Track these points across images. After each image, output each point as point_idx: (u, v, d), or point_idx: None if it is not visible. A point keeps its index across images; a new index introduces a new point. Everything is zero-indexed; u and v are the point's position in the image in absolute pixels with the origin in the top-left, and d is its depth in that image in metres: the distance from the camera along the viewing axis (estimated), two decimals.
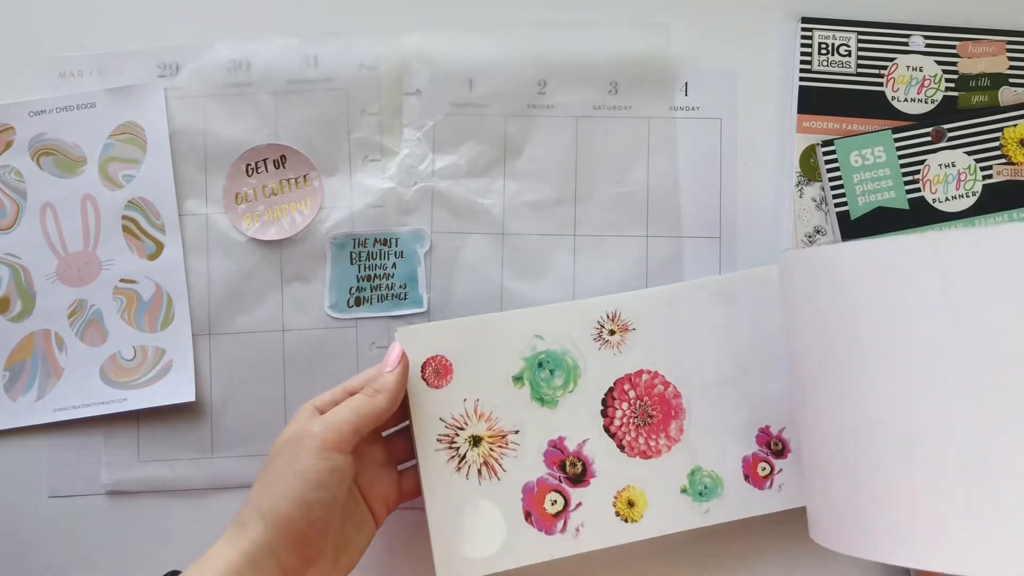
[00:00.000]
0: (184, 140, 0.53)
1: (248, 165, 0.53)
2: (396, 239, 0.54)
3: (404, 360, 0.47)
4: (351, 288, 0.53)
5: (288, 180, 0.53)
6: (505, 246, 0.54)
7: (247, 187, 0.53)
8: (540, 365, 0.50)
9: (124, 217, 0.53)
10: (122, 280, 0.53)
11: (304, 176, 0.53)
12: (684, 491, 0.50)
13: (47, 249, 0.53)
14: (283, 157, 0.53)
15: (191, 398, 0.52)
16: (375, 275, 0.54)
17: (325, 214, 0.53)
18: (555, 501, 0.49)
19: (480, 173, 0.54)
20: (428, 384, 0.49)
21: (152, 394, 0.52)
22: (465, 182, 0.54)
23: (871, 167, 0.53)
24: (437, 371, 0.49)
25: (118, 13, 0.54)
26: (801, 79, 0.54)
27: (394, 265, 0.54)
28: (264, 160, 0.53)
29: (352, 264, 0.53)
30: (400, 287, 0.54)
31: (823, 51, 0.54)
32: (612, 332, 0.50)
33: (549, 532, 0.49)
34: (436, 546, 0.48)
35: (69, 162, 0.53)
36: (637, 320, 0.51)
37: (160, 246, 0.53)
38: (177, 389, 0.52)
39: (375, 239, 0.54)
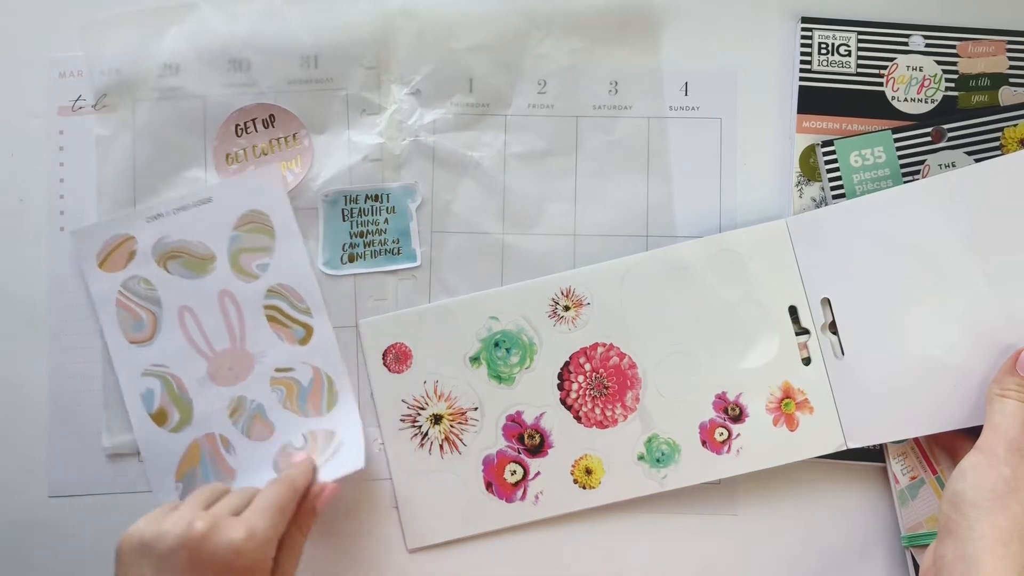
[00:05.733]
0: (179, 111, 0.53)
1: (237, 125, 0.53)
2: (387, 195, 0.54)
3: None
4: (344, 245, 0.53)
5: (278, 139, 0.53)
6: (496, 198, 0.54)
7: (237, 147, 0.53)
8: (496, 345, 0.52)
9: (267, 307, 0.52)
10: (277, 370, 0.52)
11: (293, 135, 0.53)
12: (641, 458, 0.51)
13: (194, 352, 0.51)
14: (272, 116, 0.53)
15: (361, 466, 0.49)
16: (368, 231, 0.54)
17: (316, 172, 0.53)
18: (514, 471, 0.52)
19: (469, 126, 0.54)
20: (389, 370, 0.52)
21: (326, 473, 0.50)
22: (454, 135, 0.54)
23: (871, 167, 0.53)
24: (397, 357, 0.52)
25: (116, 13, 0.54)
26: (801, 79, 0.54)
27: (386, 220, 0.54)
28: (253, 120, 0.53)
29: (344, 221, 0.53)
30: (393, 242, 0.54)
31: (823, 51, 0.54)
32: (567, 308, 0.52)
33: (509, 500, 0.52)
34: (404, 516, 0.52)
35: (198, 261, 0.52)
36: (591, 295, 0.52)
37: (309, 329, 0.52)
38: (349, 462, 0.50)
39: (366, 195, 0.54)
